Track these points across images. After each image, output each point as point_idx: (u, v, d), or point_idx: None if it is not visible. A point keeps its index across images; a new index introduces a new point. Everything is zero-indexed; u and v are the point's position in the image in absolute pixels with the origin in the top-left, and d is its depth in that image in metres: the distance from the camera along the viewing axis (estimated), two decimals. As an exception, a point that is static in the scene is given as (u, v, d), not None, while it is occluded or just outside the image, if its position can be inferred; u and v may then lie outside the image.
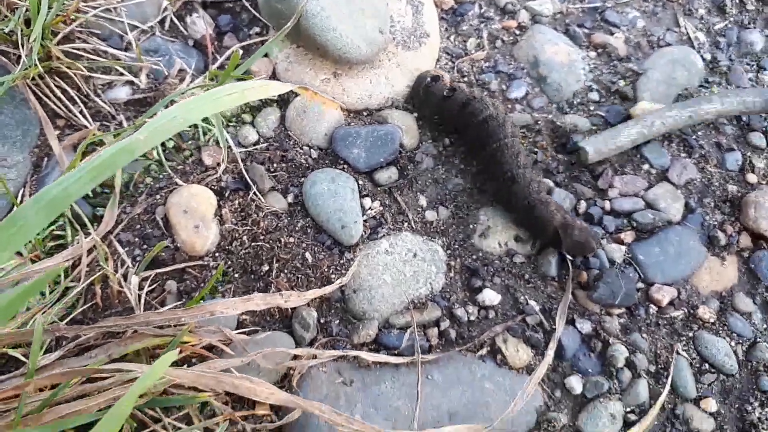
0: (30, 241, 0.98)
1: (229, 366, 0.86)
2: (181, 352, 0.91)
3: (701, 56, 1.25)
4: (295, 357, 0.96)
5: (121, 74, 1.08)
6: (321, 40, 1.05)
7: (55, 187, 0.68)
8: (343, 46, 1.06)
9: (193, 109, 0.76)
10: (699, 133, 1.18)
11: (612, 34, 1.27)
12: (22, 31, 1.00)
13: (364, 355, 0.94)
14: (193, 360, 0.91)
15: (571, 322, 1.02)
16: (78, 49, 1.06)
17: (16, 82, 1.01)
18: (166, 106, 1.06)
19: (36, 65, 1.00)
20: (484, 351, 1.00)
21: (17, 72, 0.98)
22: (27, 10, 1.02)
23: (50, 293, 0.95)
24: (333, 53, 1.07)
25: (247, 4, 1.21)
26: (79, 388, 0.84)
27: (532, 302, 1.03)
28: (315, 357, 0.95)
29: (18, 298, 0.58)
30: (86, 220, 0.98)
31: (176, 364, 0.91)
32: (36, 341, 0.78)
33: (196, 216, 1.00)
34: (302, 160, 1.10)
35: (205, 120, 1.08)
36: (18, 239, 0.69)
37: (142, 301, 0.94)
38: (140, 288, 0.95)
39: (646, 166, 1.14)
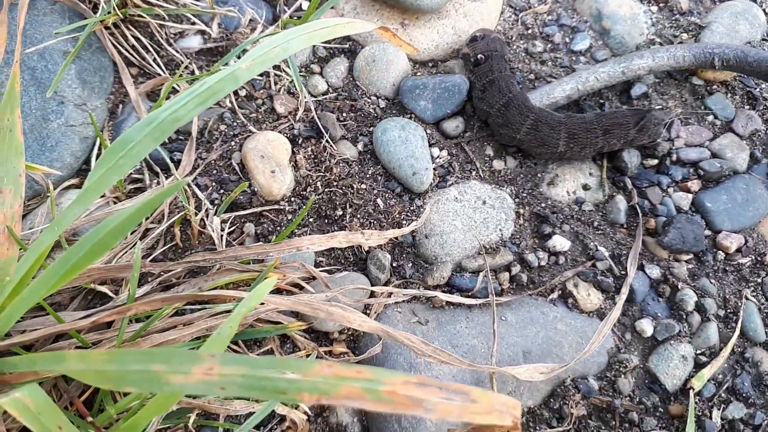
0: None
1: (314, 300, 0.88)
2: (278, 290, 0.93)
3: (763, 10, 1.25)
4: (372, 296, 0.98)
5: (193, 23, 1.09)
6: (394, -12, 1.06)
7: (164, 111, 0.70)
8: (415, -7, 1.07)
9: (290, 41, 0.78)
10: (763, 85, 1.18)
11: (674, -14, 1.28)
12: (99, -22, 1.02)
13: (441, 295, 0.96)
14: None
15: (640, 267, 1.03)
16: (151, -2, 1.08)
17: (94, 29, 1.03)
18: (239, 56, 1.08)
19: (115, 11, 1.01)
20: (555, 295, 1.02)
21: (98, 16, 0.99)
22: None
23: (131, 234, 0.97)
24: (406, 1, 1.08)
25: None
26: (169, 320, 0.86)
27: (601, 248, 1.04)
28: (391, 295, 0.97)
29: (131, 217, 0.60)
30: (161, 166, 1.00)
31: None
32: (135, 268, 0.80)
33: (272, 161, 1.01)
34: (370, 110, 1.11)
35: (276, 68, 1.10)
36: (127, 162, 0.71)
37: (224, 241, 0.96)
38: (221, 229, 0.97)
39: (710, 118, 1.15)
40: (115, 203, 0.98)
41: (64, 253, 0.63)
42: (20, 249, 0.80)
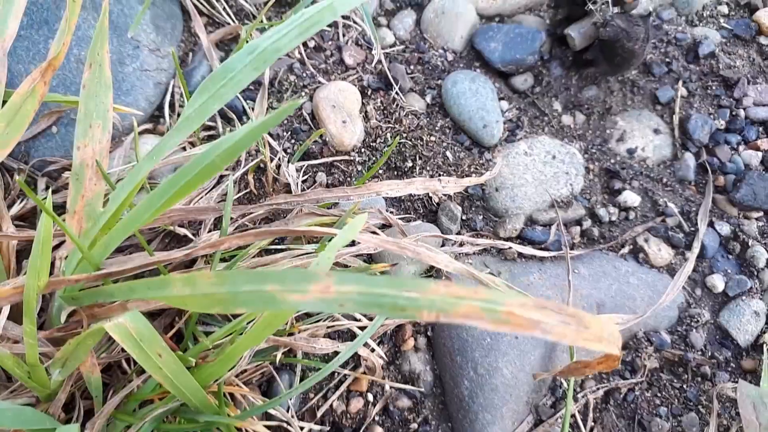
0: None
1: (401, 240, 0.88)
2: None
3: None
4: (443, 246, 0.97)
5: (262, -27, 1.09)
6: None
7: (265, 41, 0.70)
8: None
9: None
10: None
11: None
12: (172, -76, 1.01)
13: (514, 246, 0.96)
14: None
15: (710, 224, 1.03)
16: (221, -54, 1.07)
17: (166, -24, 1.02)
18: (313, 2, 1.07)
19: (189, -43, 1.01)
20: (626, 250, 1.01)
21: (172, -38, 0.99)
22: None
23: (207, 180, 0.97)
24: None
25: None
26: (253, 260, 0.86)
27: (671, 204, 1.03)
28: (462, 245, 0.97)
29: (232, 149, 0.59)
30: (236, 113, 1.00)
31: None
32: (228, 202, 0.80)
33: (343, 111, 1.01)
34: (438, 63, 1.10)
35: (345, 18, 1.09)
36: (228, 91, 0.70)
37: (299, 188, 0.96)
38: (296, 177, 0.96)
39: (779, 77, 1.14)
40: (189, 149, 0.98)
41: (163, 182, 0.63)
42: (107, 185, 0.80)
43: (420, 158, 1.02)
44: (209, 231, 0.90)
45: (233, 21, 1.06)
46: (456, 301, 0.50)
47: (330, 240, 0.83)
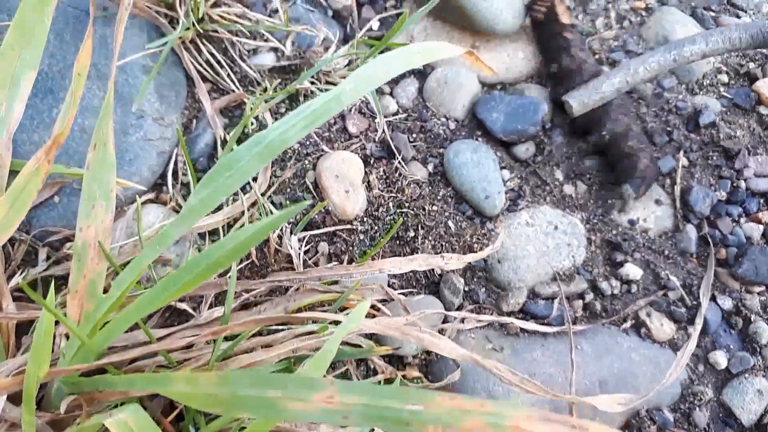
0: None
1: (404, 325, 0.88)
2: (344, 309, 0.92)
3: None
4: (445, 320, 0.97)
5: (267, 40, 1.10)
6: (472, 11, 1.07)
7: (272, 132, 0.70)
8: (494, 17, 1.07)
9: (391, 63, 0.78)
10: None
11: (738, 17, 1.28)
12: (179, -7, 1.02)
13: (517, 322, 0.95)
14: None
15: (712, 298, 1.03)
16: (226, 14, 1.08)
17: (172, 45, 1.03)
18: (314, 76, 1.08)
19: (195, 26, 1.02)
20: (628, 324, 1.01)
21: (177, 33, 1.00)
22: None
23: (208, 250, 0.97)
24: (481, 24, 1.08)
25: (385, -25, 1.23)
26: (254, 340, 0.86)
27: (673, 278, 1.03)
28: (464, 320, 0.97)
29: (244, 243, 0.59)
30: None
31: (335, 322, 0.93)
32: (231, 287, 0.80)
33: (346, 181, 1.01)
34: (440, 131, 1.11)
35: (350, 88, 1.09)
36: (234, 182, 0.70)
37: (300, 260, 0.95)
38: (298, 248, 0.96)
39: (779, 148, 1.15)
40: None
41: (170, 274, 0.63)
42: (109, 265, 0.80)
43: (422, 228, 1.02)
44: (210, 307, 0.90)
45: (237, 88, 1.07)
46: (461, 414, 0.49)
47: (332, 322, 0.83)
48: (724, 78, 1.21)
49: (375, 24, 1.16)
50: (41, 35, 0.77)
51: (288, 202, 1.02)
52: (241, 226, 0.98)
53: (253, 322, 0.77)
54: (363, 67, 0.75)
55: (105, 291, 0.78)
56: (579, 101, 1.08)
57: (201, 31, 1.04)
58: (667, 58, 1.10)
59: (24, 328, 0.86)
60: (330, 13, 1.19)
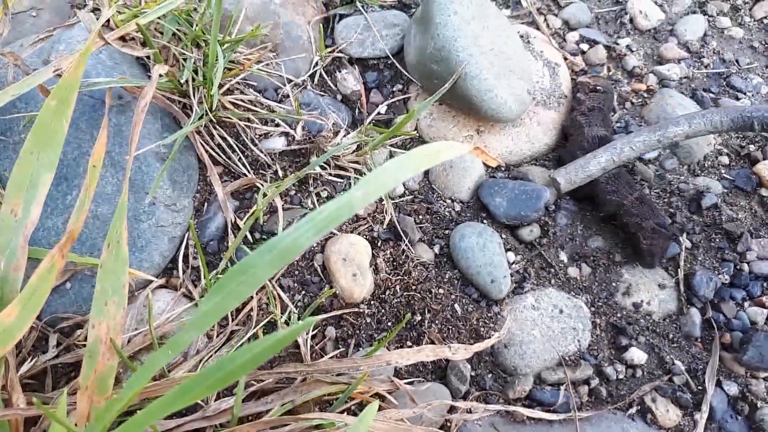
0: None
1: (402, 416, 0.88)
2: (351, 399, 0.93)
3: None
4: (452, 408, 0.97)
5: (277, 125, 1.12)
6: (477, 100, 1.09)
7: (286, 238, 0.71)
8: (497, 106, 1.10)
9: (400, 169, 0.79)
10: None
11: (738, 99, 1.31)
12: (193, 80, 1.05)
13: (523, 411, 0.96)
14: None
15: (717, 383, 1.03)
16: (238, 101, 1.11)
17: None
18: (326, 161, 1.10)
19: (208, 114, 1.04)
20: (633, 410, 1.01)
21: (191, 124, 1.02)
22: (195, 61, 1.07)
23: (216, 337, 0.98)
24: (486, 113, 1.11)
25: (394, 61, 1.26)
26: (262, 434, 0.86)
27: (678, 362, 1.04)
28: (470, 411, 0.97)
29: (261, 354, 0.60)
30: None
31: (342, 411, 0.93)
32: (240, 389, 0.81)
33: (354, 264, 1.02)
34: (446, 213, 1.13)
35: (357, 171, 1.12)
36: (246, 289, 0.72)
37: (308, 347, 0.96)
38: (305, 333, 0.97)
39: (781, 230, 1.16)
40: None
41: (183, 383, 0.63)
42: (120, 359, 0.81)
43: (429, 311, 1.03)
44: (218, 398, 0.90)
45: (249, 171, 1.09)
46: None
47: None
48: (725, 160, 1.23)
49: (383, 108, 1.19)
50: (59, 139, 0.80)
51: (296, 285, 1.03)
52: (248, 312, 0.99)
53: (262, 424, 0.77)
54: (373, 173, 0.77)
55: (116, 381, 0.80)
56: (566, 178, 1.11)
57: (213, 119, 1.06)
58: (652, 138, 1.13)
59: (31, 422, 0.87)
60: (339, 97, 1.22)
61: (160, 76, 0.99)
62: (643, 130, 1.14)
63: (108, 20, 1.07)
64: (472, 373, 1.01)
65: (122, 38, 1.07)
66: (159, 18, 1.05)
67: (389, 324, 1.03)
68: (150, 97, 0.92)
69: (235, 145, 1.10)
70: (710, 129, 1.14)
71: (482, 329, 1.03)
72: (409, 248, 1.07)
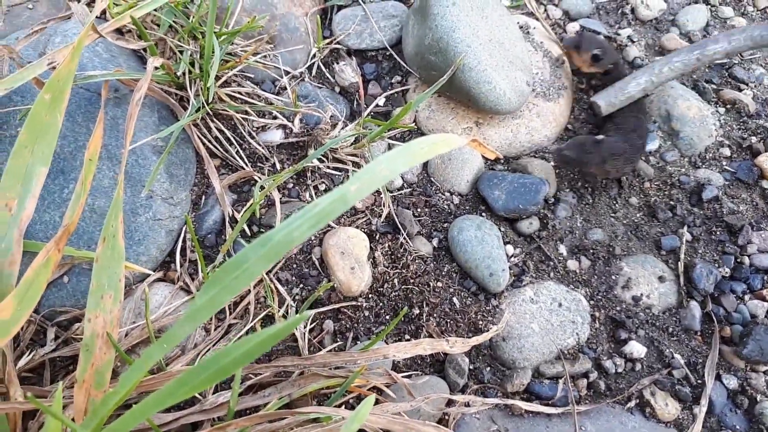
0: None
1: (399, 410, 0.88)
2: (349, 392, 0.93)
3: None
4: (449, 402, 0.97)
5: (275, 118, 1.12)
6: (475, 92, 1.09)
7: (279, 232, 0.71)
8: (496, 98, 1.09)
9: (394, 162, 0.79)
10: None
11: (740, 90, 1.29)
12: (190, 73, 1.04)
13: (521, 404, 0.96)
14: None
15: (717, 377, 1.03)
16: (236, 93, 1.11)
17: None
18: (324, 153, 1.10)
19: (205, 107, 1.04)
20: (632, 403, 1.01)
21: (187, 117, 1.02)
22: (192, 54, 1.06)
23: (214, 330, 0.98)
24: (485, 105, 1.10)
25: (392, 52, 1.25)
26: (259, 428, 0.86)
27: (677, 356, 1.03)
28: (468, 404, 0.97)
29: (258, 346, 0.60)
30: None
31: (340, 405, 0.93)
32: (236, 382, 0.81)
33: (352, 258, 1.02)
34: (444, 206, 1.12)
35: (355, 164, 1.11)
36: (240, 283, 0.71)
37: (305, 340, 0.96)
38: (303, 327, 0.97)
39: (782, 221, 1.15)
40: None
41: (179, 377, 0.63)
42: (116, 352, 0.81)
43: (427, 305, 1.02)
44: (215, 391, 0.90)
45: (246, 164, 1.09)
46: None
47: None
48: (726, 152, 1.22)
49: (381, 100, 1.19)
50: (53, 132, 0.79)
51: (294, 278, 1.03)
52: (246, 306, 0.99)
53: (259, 417, 0.77)
54: (367, 166, 0.76)
55: (113, 374, 0.80)
56: (606, 101, 1.12)
57: (210, 111, 1.06)
58: (691, 57, 1.13)
59: (30, 415, 0.87)
60: (337, 89, 1.22)
61: (156, 68, 0.98)
62: (682, 50, 1.14)
63: (105, 12, 1.06)
64: (470, 367, 1.01)
65: (119, 31, 1.07)
66: (155, 10, 1.04)
67: (387, 317, 1.03)
68: (145, 89, 0.92)
69: (232, 138, 1.10)
70: (750, 44, 1.12)
71: (480, 322, 1.03)
72: (407, 241, 1.07)
